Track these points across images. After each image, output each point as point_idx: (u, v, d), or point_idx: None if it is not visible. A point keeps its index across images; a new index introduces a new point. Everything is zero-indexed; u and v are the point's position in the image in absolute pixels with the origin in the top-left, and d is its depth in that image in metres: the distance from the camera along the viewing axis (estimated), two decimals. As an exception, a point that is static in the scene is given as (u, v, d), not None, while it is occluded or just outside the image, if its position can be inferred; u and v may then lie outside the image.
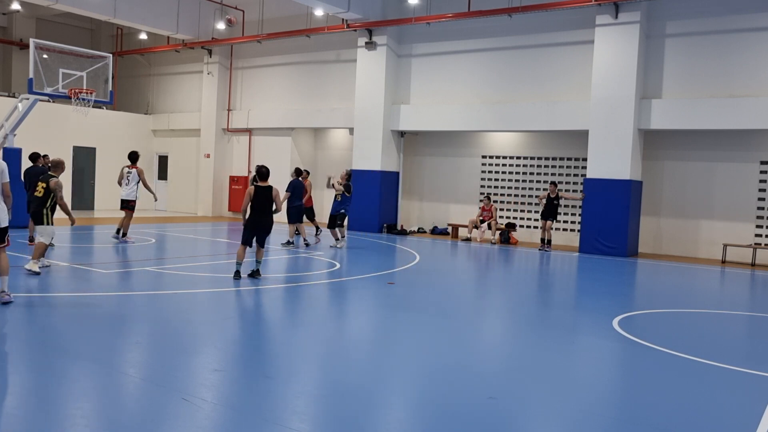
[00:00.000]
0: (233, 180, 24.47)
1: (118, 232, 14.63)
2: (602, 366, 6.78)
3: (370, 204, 20.31)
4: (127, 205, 14.59)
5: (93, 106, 17.29)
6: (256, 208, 10.41)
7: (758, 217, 16.44)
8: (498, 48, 19.12)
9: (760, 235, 16.41)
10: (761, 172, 16.41)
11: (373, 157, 20.48)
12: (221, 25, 23.32)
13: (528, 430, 4.83)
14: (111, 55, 18.02)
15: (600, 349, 7.38)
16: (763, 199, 16.38)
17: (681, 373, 6.38)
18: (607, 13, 16.64)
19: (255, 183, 10.57)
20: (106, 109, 23.36)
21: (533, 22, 18.32)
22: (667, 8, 16.62)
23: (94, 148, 24.21)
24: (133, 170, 14.57)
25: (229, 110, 24.65)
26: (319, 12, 20.22)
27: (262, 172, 10.61)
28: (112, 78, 18.03)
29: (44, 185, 10.25)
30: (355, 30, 20.41)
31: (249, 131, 24.20)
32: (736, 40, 15.94)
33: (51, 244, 10.90)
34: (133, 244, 14.28)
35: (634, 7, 16.39)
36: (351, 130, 21.51)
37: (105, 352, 6.22)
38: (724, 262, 16.24)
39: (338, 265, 12.45)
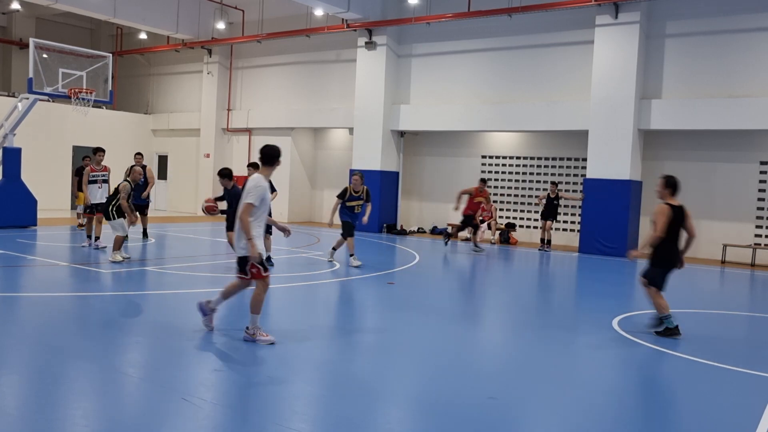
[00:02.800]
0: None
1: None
2: (602, 366, 6.77)
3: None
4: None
5: (93, 106, 17.29)
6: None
7: (758, 218, 16.44)
8: (498, 48, 19.11)
9: (760, 236, 16.41)
10: (761, 172, 16.41)
11: (372, 157, 20.47)
12: (221, 25, 23.31)
13: (528, 430, 4.82)
14: (111, 54, 18.02)
15: (600, 349, 7.37)
16: (763, 200, 16.38)
17: (680, 373, 6.38)
18: (606, 13, 16.64)
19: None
20: (106, 108, 23.34)
21: (533, 22, 18.31)
22: (667, 8, 16.61)
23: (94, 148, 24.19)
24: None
25: (228, 110, 24.64)
26: (319, 12, 20.21)
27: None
28: (112, 78, 18.04)
29: (116, 188, 11.98)
30: (355, 30, 20.41)
31: (249, 131, 24.19)
32: (736, 41, 15.93)
33: (126, 237, 11.71)
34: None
35: (634, 7, 16.39)
36: (351, 130, 21.50)
37: (104, 352, 6.21)
38: (723, 262, 16.24)
39: (338, 265, 12.45)
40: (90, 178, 13.62)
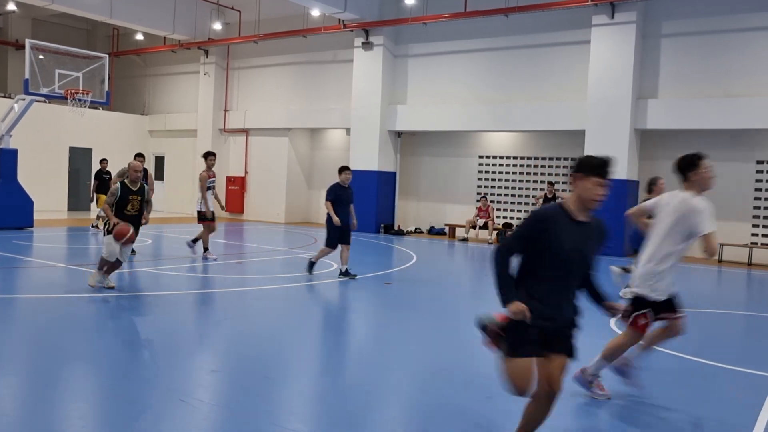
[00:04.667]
0: (230, 180, 24.44)
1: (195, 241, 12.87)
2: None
3: (367, 204, 20.28)
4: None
5: (89, 107, 17.27)
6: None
7: (754, 217, 16.47)
8: (495, 48, 19.12)
9: (756, 235, 16.44)
10: (757, 171, 16.45)
11: (369, 158, 20.47)
12: (218, 26, 23.29)
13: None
14: (107, 55, 17.99)
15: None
16: (759, 199, 16.42)
17: (678, 372, 6.38)
18: (603, 13, 16.66)
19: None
20: (103, 109, 23.31)
21: (530, 22, 18.33)
22: (663, 8, 16.64)
23: (91, 149, 24.16)
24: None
25: (225, 111, 24.63)
26: (315, 12, 20.21)
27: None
28: (109, 78, 18.01)
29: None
30: (352, 30, 20.41)
31: (246, 132, 24.18)
32: (732, 40, 15.97)
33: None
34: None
35: (630, 7, 16.41)
36: (348, 131, 21.50)
37: (101, 353, 6.20)
38: (720, 261, 16.27)
39: (334, 266, 12.44)
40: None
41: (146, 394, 5.16)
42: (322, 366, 6.24)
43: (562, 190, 18.45)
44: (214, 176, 12.99)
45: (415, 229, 21.31)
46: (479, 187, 20.37)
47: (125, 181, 9.09)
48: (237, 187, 24.23)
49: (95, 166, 24.10)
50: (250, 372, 5.85)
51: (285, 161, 23.12)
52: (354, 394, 5.37)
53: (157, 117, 26.41)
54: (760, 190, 16.41)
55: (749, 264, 15.99)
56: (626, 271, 10.21)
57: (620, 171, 16.58)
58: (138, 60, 26.82)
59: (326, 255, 11.14)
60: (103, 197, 16.96)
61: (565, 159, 18.92)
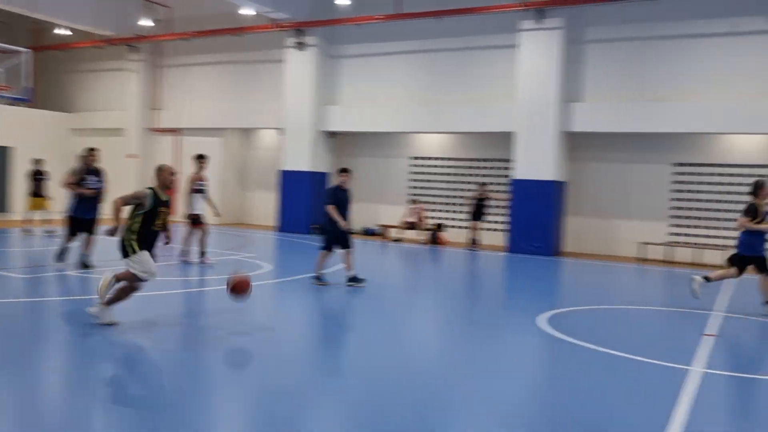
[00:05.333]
0: (160, 181, 23.86)
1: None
2: (529, 363, 7.00)
3: (299, 205, 20.25)
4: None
5: (9, 104, 16.60)
6: None
7: (671, 216, 17.27)
8: (427, 50, 19.39)
9: (673, 233, 17.24)
10: (674, 173, 17.25)
11: (302, 158, 20.42)
12: (147, 22, 22.72)
13: (459, 428, 4.95)
14: (28, 50, 17.32)
15: (527, 346, 7.62)
16: (676, 199, 17.21)
17: (602, 367, 6.66)
18: (531, 18, 17.13)
19: None
20: (24, 106, 22.41)
21: (461, 26, 18.65)
22: (588, 15, 17.23)
23: (11, 148, 23.19)
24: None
25: (156, 109, 24.07)
26: (247, 11, 19.97)
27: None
28: (30, 74, 17.34)
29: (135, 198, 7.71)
30: (284, 30, 20.29)
31: (177, 131, 23.70)
32: (654, 47, 16.69)
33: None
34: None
35: (557, 13, 16.93)
36: (281, 131, 21.36)
37: (20, 359, 6.02)
38: (640, 259, 16.98)
39: (266, 267, 12.36)
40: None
41: (67, 401, 5.03)
42: (256, 368, 6.21)
43: (493, 191, 18.85)
44: (204, 179, 12.73)
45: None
46: (411, 188, 20.60)
47: (154, 187, 7.36)
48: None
49: (16, 166, 23.20)
50: (175, 377, 5.78)
51: (217, 161, 22.75)
52: (290, 395, 5.38)
53: (83, 115, 25.58)
54: (677, 191, 17.21)
55: (667, 262, 16.74)
56: (708, 280, 10.35)
57: (547, 172, 17.09)
58: (62, 55, 25.87)
59: (326, 259, 10.82)
60: (39, 200, 16.15)
61: (496, 160, 19.34)
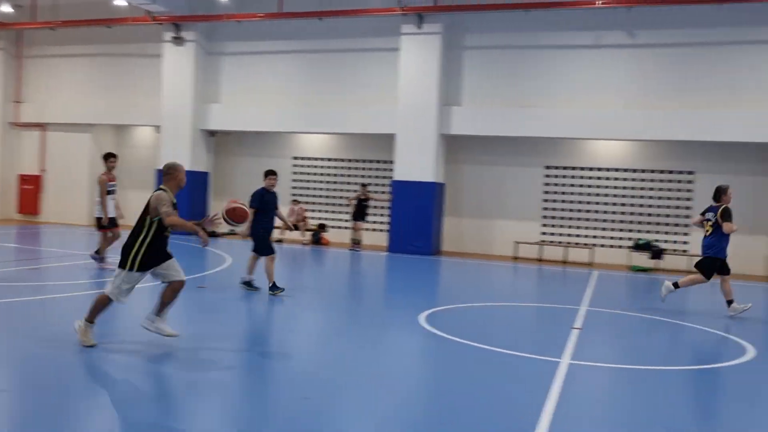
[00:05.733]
0: (23, 179, 22.36)
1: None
2: (410, 360, 7.14)
3: (178, 205, 19.55)
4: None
5: None
6: None
7: (543, 217, 18.20)
8: (310, 50, 19.33)
9: (545, 233, 18.18)
10: (545, 176, 18.19)
11: (181, 157, 19.67)
12: (6, 8, 21.16)
13: (341, 428, 4.97)
14: None
15: (408, 344, 7.77)
16: (547, 201, 18.16)
17: (480, 362, 6.90)
18: (411, 23, 17.49)
19: None
20: None
21: (344, 27, 18.74)
22: (466, 21, 17.82)
23: None
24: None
25: (18, 102, 22.48)
26: (120, 1, 19.06)
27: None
28: None
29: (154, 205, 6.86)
30: (161, 24, 19.57)
31: (42, 126, 22.25)
32: (528, 56, 17.51)
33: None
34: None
35: (436, 19, 17.39)
36: (158, 128, 20.58)
37: None
38: (515, 258, 17.76)
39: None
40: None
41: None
42: (131, 374, 5.96)
43: (374, 192, 19.08)
44: (114, 179, 12.03)
45: (230, 231, 20.88)
46: (294, 188, 20.47)
47: (167, 189, 6.80)
48: (31, 186, 22.24)
49: None
50: (40, 384, 5.45)
51: (87, 159, 21.61)
52: (168, 397, 5.20)
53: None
54: (548, 192, 18.16)
55: (539, 260, 17.62)
56: (676, 286, 10.60)
57: (427, 174, 17.52)
58: None
59: (273, 262, 10.33)
60: None
61: (377, 161, 19.59)
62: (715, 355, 7.95)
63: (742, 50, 16.08)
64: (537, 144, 18.03)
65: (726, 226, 10.01)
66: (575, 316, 9.60)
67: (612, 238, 17.72)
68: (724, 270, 10.27)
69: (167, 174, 6.87)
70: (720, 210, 10.18)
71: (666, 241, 17.25)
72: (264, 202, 10.15)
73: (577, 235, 17.96)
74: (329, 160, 20.21)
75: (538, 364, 6.86)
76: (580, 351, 7.46)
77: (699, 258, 10.62)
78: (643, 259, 17.00)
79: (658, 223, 17.39)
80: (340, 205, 19.99)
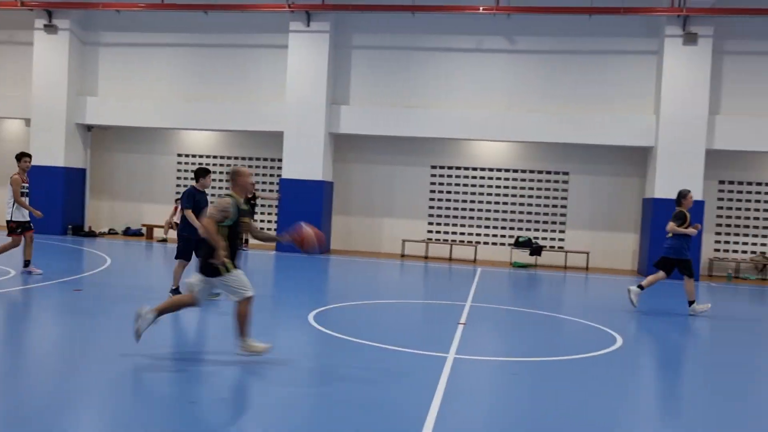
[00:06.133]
0: None
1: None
2: (297, 360, 7.08)
3: (52, 203, 18.41)
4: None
5: None
6: None
7: (429, 215, 18.63)
8: (195, 44, 18.78)
9: (431, 231, 18.62)
10: (431, 175, 18.62)
11: (55, 152, 18.63)
12: None
13: (236, 425, 4.89)
14: None
15: (296, 343, 7.73)
16: (433, 200, 18.61)
17: (368, 359, 6.97)
18: (299, 20, 17.39)
19: None
20: None
21: (231, 22, 18.36)
22: (354, 21, 17.92)
23: None
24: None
25: None
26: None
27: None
28: None
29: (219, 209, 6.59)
30: (32, 9, 18.36)
31: None
32: (414, 58, 17.85)
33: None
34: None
35: (324, 17, 17.39)
36: (28, 122, 19.29)
37: None
38: (403, 255, 18.07)
39: (13, 272, 11.13)
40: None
41: None
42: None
43: (262, 190, 18.82)
44: (27, 180, 11.22)
45: (109, 230, 19.97)
46: (178, 186, 19.82)
47: (234, 195, 6.52)
48: None
49: None
50: None
51: (-54, 153, 19.96)
52: (32, 402, 4.91)
53: None
54: (434, 191, 18.61)
55: (426, 257, 18.03)
56: (641, 288, 10.83)
57: (315, 172, 17.49)
58: None
59: (184, 269, 9.71)
60: None
61: (265, 159, 19.33)
62: (588, 345, 8.44)
63: (609, 59, 17.16)
64: (423, 144, 18.42)
65: (669, 226, 10.70)
66: (461, 311, 9.89)
67: (495, 235, 18.40)
68: (688, 271, 10.77)
69: (232, 179, 6.69)
70: (678, 215, 10.82)
71: (544, 238, 18.12)
72: (196, 202, 9.63)
73: (462, 233, 18.51)
74: (216, 157, 19.72)
75: (426, 359, 7.02)
76: (465, 346, 7.70)
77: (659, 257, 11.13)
78: (523, 256, 17.77)
79: (537, 221, 18.23)
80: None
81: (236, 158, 19.53)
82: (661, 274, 10.85)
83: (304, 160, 17.49)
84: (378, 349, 7.34)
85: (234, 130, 18.87)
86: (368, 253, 18.38)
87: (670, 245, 10.82)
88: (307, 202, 17.41)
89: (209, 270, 6.38)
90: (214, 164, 19.70)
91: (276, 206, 18.25)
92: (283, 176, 17.70)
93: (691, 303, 10.76)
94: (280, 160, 18.58)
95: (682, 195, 11.00)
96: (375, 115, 17.71)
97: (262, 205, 18.76)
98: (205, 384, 5.91)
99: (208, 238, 6.32)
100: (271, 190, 18.97)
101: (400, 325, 9.33)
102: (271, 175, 19.24)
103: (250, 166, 19.41)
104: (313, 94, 17.43)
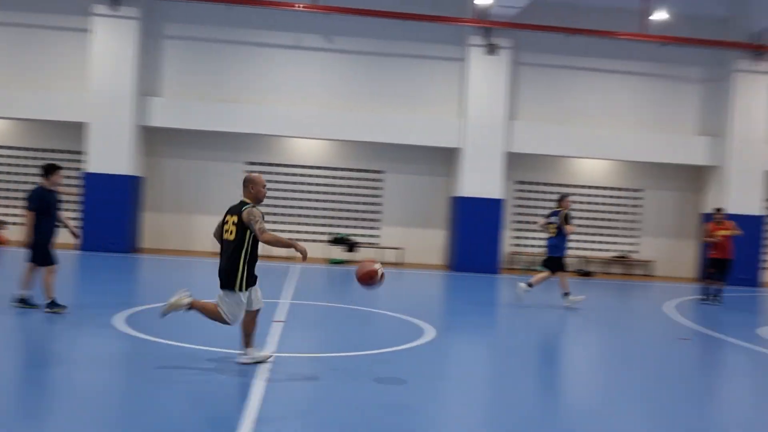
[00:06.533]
0: None
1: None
2: (102, 365, 6.61)
3: None
4: None
5: None
6: None
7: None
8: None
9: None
10: (247, 171, 18.24)
11: None
12: None
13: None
14: None
15: (100, 347, 7.21)
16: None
17: (182, 362, 6.69)
18: (104, 3, 16.28)
19: None
20: None
21: (27, 1, 16.74)
22: (166, 10, 17.13)
23: None
24: None
25: None
26: None
27: None
28: None
29: (235, 219, 6.65)
30: None
31: None
32: (228, 51, 17.44)
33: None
34: None
35: (134, 3, 16.43)
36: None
37: None
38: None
39: None
40: None
41: None
42: None
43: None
44: None
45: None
46: (-40, 179, 17.67)
47: (250, 203, 6.69)
48: None
49: None
50: None
51: None
52: None
53: None
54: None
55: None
56: (530, 286, 11.47)
57: (122, 167, 16.48)
58: None
59: (54, 275, 8.58)
60: None
61: (63, 152, 17.79)
62: (399, 337, 8.73)
63: (421, 63, 17.97)
64: (239, 140, 18.04)
65: (567, 228, 11.47)
66: (276, 309, 9.81)
67: (312, 232, 18.49)
68: (561, 267, 11.58)
69: (245, 187, 6.73)
70: (562, 215, 11.55)
71: (360, 235, 18.52)
72: (45, 203, 8.68)
73: (280, 230, 18.37)
74: (5, 148, 17.84)
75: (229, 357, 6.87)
76: (284, 343, 7.64)
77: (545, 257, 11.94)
78: (339, 252, 18.03)
79: (354, 219, 18.59)
80: (17, 199, 17.76)
81: (27, 149, 17.81)
82: (547, 272, 11.69)
83: (110, 154, 16.41)
84: (192, 351, 7.09)
85: (26, 118, 17.15)
86: (180, 251, 17.65)
87: (554, 244, 11.70)
88: (113, 198, 16.35)
89: (222, 280, 6.60)
90: (3, 155, 17.83)
91: (76, 202, 16.85)
92: (88, 170, 16.45)
93: (566, 294, 11.68)
94: (79, 153, 17.22)
95: (563, 197, 12.01)
96: (189, 108, 17.04)
97: (68, 201, 17.25)
98: (-6, 398, 5.32)
99: (278, 246, 6.60)
100: (70, 185, 17.51)
101: (213, 324, 9.02)
102: (72, 169, 17.77)
103: (45, 159, 17.79)
104: (120, 83, 16.40)
